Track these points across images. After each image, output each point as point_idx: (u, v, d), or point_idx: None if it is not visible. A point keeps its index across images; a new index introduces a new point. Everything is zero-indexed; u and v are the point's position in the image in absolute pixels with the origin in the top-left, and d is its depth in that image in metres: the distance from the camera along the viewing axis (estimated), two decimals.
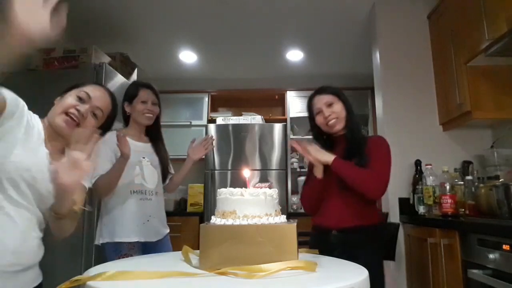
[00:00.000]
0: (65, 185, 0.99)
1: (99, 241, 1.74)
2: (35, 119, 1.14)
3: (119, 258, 1.61)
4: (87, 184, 1.62)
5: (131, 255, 1.66)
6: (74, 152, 1.00)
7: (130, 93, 1.88)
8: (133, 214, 1.75)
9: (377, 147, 1.57)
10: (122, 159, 1.66)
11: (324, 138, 1.71)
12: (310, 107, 1.69)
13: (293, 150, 1.68)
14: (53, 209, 1.09)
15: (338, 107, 1.61)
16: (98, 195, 1.77)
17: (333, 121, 1.60)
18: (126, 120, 1.90)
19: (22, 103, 1.07)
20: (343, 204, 1.55)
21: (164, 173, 1.93)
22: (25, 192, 1.05)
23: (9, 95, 1.01)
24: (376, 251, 1.58)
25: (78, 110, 1.17)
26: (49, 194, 1.09)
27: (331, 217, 1.56)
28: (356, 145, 1.57)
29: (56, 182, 1.00)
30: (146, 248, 1.76)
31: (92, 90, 1.23)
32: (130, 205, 1.75)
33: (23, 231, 1.06)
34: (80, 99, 1.19)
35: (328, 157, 1.50)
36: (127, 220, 1.73)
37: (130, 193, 1.76)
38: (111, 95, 1.31)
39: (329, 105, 1.61)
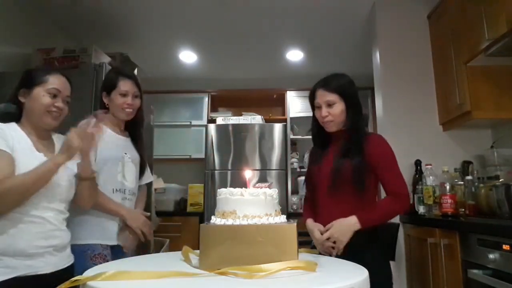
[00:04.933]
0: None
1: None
2: (13, 129, 1.28)
3: (93, 259, 1.46)
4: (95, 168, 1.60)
5: (105, 256, 1.50)
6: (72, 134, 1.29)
7: (109, 83, 1.67)
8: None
9: (383, 154, 1.51)
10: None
11: (322, 135, 1.65)
12: (312, 98, 1.61)
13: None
14: (76, 175, 1.39)
15: (338, 109, 1.52)
16: None
17: (328, 123, 1.55)
18: (104, 109, 1.68)
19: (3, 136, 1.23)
20: (334, 206, 1.50)
21: (141, 173, 1.76)
22: (45, 197, 1.27)
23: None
24: (375, 252, 1.48)
25: (57, 107, 1.34)
26: (62, 185, 1.32)
27: (324, 221, 1.50)
28: (355, 144, 1.51)
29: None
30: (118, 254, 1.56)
31: (57, 84, 1.35)
32: None
33: (55, 224, 1.30)
34: (52, 96, 1.34)
35: (354, 227, 1.42)
36: (107, 222, 1.55)
37: (113, 192, 1.59)
38: (66, 76, 1.43)
39: (329, 104, 1.53)
